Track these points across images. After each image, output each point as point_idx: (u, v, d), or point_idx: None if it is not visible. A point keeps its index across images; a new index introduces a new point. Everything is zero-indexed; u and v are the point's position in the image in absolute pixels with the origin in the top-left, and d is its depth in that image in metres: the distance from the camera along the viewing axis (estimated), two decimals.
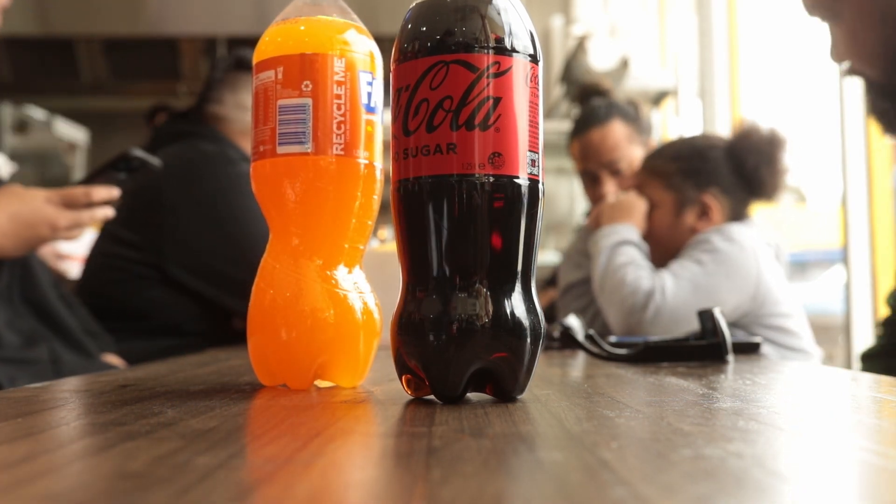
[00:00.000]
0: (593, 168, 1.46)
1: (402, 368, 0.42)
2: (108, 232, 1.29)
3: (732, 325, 1.08)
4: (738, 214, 1.25)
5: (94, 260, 1.30)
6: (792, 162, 1.26)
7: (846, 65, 0.87)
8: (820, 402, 0.44)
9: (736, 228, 1.19)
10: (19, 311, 0.91)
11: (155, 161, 1.00)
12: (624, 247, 1.19)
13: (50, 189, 0.92)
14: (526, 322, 0.40)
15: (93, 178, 0.96)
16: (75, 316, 1.02)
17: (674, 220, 1.25)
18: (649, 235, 1.25)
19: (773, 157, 1.23)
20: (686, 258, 1.16)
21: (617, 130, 1.44)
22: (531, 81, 0.41)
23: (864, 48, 0.83)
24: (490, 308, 0.39)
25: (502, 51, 0.40)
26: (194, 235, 1.22)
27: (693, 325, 1.09)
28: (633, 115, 1.45)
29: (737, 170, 1.24)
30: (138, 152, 0.97)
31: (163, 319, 1.23)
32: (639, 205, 1.26)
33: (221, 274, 1.21)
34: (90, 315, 1.08)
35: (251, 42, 0.54)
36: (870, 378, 0.53)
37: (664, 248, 1.22)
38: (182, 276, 1.22)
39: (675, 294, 1.10)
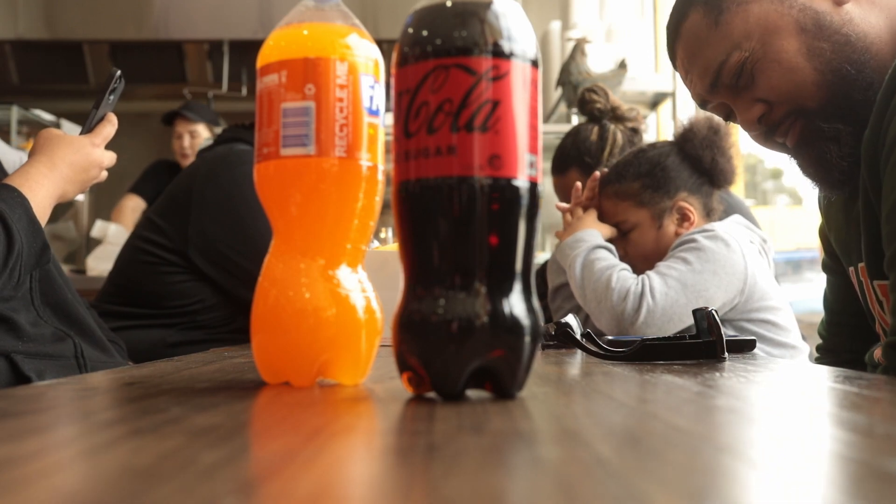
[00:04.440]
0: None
1: (403, 366, 0.42)
2: (146, 218, 1.37)
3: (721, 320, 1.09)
4: (710, 209, 1.27)
5: (130, 243, 1.38)
6: (735, 141, 1.29)
7: (766, 127, 0.82)
8: (814, 400, 0.45)
9: (720, 226, 1.19)
10: (42, 313, 0.93)
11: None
12: (596, 251, 1.19)
13: (90, 134, 1.00)
14: (524, 321, 0.41)
15: (100, 108, 1.01)
16: (94, 319, 1.04)
17: (657, 234, 1.25)
18: (638, 256, 1.25)
19: (722, 144, 1.25)
20: (672, 258, 1.16)
21: (572, 181, 1.48)
22: (530, 85, 0.42)
23: (793, 75, 0.77)
24: (489, 307, 0.40)
25: (501, 55, 0.41)
26: (215, 225, 1.29)
27: (684, 324, 1.10)
28: (590, 164, 1.46)
29: (695, 168, 1.26)
30: (118, 71, 1.03)
31: (179, 305, 1.28)
32: (588, 213, 1.28)
33: (237, 265, 1.26)
34: (103, 322, 1.11)
35: (255, 46, 0.54)
36: (862, 376, 0.54)
37: (655, 261, 1.21)
38: (201, 264, 1.29)
39: (664, 294, 1.10)
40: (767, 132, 0.83)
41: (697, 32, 0.84)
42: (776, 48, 0.78)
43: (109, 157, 1.01)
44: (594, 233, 1.23)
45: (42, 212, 0.89)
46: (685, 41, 0.86)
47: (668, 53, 0.91)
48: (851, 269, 0.84)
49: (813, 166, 0.81)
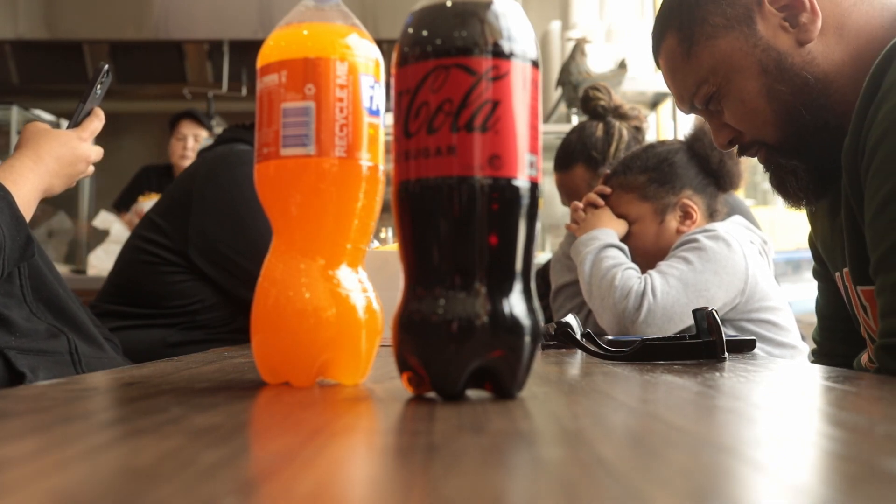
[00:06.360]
0: (564, 202, 1.60)
1: (403, 366, 0.42)
2: (147, 218, 1.37)
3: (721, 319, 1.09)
4: (713, 210, 1.27)
5: (130, 243, 1.38)
6: None
7: (737, 146, 0.86)
8: (814, 400, 0.45)
9: (721, 226, 1.19)
10: (35, 309, 0.93)
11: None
12: (607, 250, 1.19)
13: (77, 128, 0.99)
14: (524, 321, 0.41)
15: (87, 103, 1.01)
16: (86, 314, 1.04)
17: (658, 228, 1.25)
18: (637, 249, 1.25)
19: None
20: (673, 258, 1.17)
21: (577, 178, 1.50)
22: (530, 85, 0.42)
23: (753, 115, 0.82)
24: (489, 307, 0.40)
25: (501, 55, 0.41)
26: (215, 225, 1.29)
27: (685, 324, 1.10)
28: (597, 159, 1.47)
29: (703, 168, 1.26)
30: (105, 65, 1.02)
31: (179, 305, 1.28)
32: (605, 210, 1.28)
33: (237, 265, 1.26)
34: (97, 317, 1.11)
35: (255, 46, 0.54)
36: (861, 376, 0.54)
37: (654, 257, 1.22)
38: (201, 264, 1.29)
39: (665, 293, 1.11)
40: (738, 151, 0.88)
41: (673, 57, 0.88)
42: (739, 87, 0.82)
43: (97, 152, 1.00)
44: (609, 231, 1.23)
45: (27, 206, 0.88)
46: (664, 60, 0.90)
47: (654, 59, 0.94)
48: (837, 274, 0.86)
49: (776, 188, 0.87)
